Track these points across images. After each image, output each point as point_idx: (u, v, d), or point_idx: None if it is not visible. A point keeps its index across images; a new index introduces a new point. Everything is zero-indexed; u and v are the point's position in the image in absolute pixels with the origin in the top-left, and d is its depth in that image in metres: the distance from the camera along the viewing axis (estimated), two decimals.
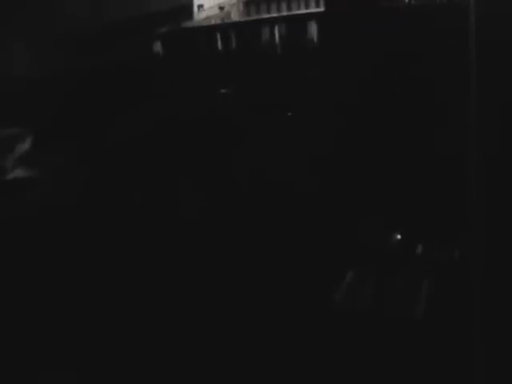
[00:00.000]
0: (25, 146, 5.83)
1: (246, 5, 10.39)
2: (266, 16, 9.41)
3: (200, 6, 9.71)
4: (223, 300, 3.58)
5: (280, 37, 7.91)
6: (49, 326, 3.53)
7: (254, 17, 9.97)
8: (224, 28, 8.36)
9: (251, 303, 3.51)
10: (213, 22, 9.29)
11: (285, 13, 9.76)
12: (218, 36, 7.99)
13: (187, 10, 9.38)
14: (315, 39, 7.70)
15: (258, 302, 3.52)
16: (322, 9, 9.06)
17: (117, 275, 4.05)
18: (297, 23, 7.91)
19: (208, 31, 8.26)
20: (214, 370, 3.03)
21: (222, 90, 7.32)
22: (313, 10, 9.54)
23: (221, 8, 9.97)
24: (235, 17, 10.04)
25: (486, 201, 3.36)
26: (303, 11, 9.57)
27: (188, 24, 8.91)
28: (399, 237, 3.78)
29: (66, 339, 3.42)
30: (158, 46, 8.07)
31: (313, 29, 7.70)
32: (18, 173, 5.50)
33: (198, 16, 9.49)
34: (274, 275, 3.72)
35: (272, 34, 7.93)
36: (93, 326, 3.48)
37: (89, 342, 3.38)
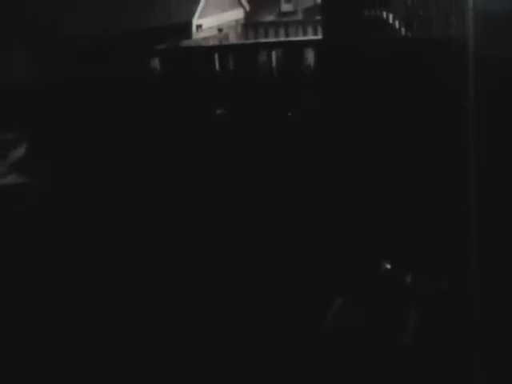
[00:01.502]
0: (19, 152, 5.86)
1: (245, 28, 10.55)
2: (264, 40, 9.55)
3: (199, 27, 9.83)
4: (214, 318, 3.61)
5: (276, 61, 8.03)
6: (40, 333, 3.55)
7: (251, 40, 10.11)
8: (222, 49, 8.47)
9: (240, 324, 3.54)
10: (211, 42, 9.40)
11: (282, 38, 9.91)
12: (216, 57, 8.09)
13: (186, 29, 9.50)
14: (311, 66, 7.83)
15: (248, 324, 3.55)
16: (319, 37, 9.22)
17: (107, 284, 4.09)
18: (293, 49, 8.04)
19: (206, 51, 8.37)
20: None
21: (218, 111, 7.40)
22: (310, 37, 9.70)
23: (219, 30, 10.11)
24: (233, 39, 10.17)
25: (477, 231, 3.44)
26: (300, 38, 9.73)
27: (186, 43, 9.02)
28: (389, 266, 3.85)
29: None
30: (155, 63, 8.15)
31: (309, 55, 7.83)
32: (12, 179, 5.52)
33: (197, 36, 9.61)
34: (264, 298, 3.76)
35: (268, 58, 8.05)
36: (87, 335, 3.50)
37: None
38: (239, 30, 10.51)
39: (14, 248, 4.55)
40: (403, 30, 7.80)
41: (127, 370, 3.19)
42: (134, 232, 4.80)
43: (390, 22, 7.94)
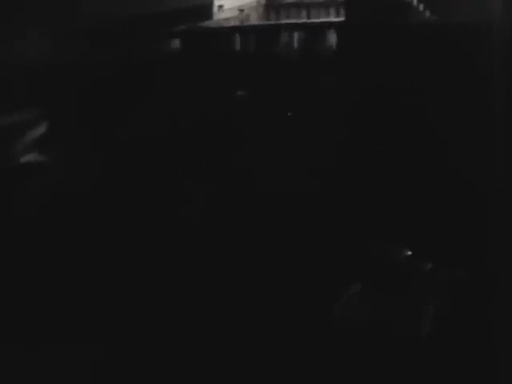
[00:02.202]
0: (37, 131, 5.85)
1: (266, 9, 10.42)
2: (285, 22, 9.43)
3: (220, 7, 9.73)
4: (220, 309, 3.58)
5: (297, 43, 7.93)
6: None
7: (272, 21, 10.00)
8: (243, 30, 8.39)
9: (252, 310, 3.52)
10: (232, 23, 9.30)
11: (304, 20, 9.78)
12: (237, 38, 8.01)
13: (207, 9, 9.40)
14: (332, 48, 7.72)
15: (259, 309, 3.52)
16: (341, 19, 9.08)
17: (122, 269, 4.08)
18: (315, 31, 7.94)
19: (227, 32, 8.29)
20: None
21: (238, 93, 7.35)
22: (332, 19, 9.56)
23: (240, 10, 9.99)
24: (254, 20, 10.05)
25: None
26: (322, 20, 9.59)
27: (207, 24, 8.94)
28: (408, 253, 3.78)
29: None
30: (176, 43, 8.09)
31: (331, 38, 7.72)
32: (29, 158, 5.52)
33: (218, 16, 9.51)
34: (278, 285, 3.73)
35: (290, 40, 7.95)
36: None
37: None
38: (260, 10, 10.38)
39: (30, 227, 4.56)
40: (427, 13, 7.65)
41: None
42: (151, 216, 4.79)
43: (414, 4, 7.80)
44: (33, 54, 7.46)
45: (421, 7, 7.66)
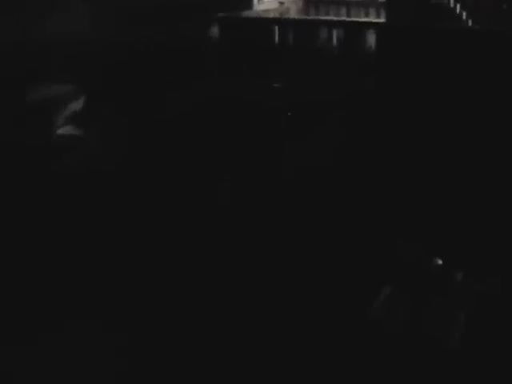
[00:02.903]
0: (77, 105, 5.94)
1: (306, 3, 10.44)
2: (324, 18, 9.44)
3: None
4: (245, 305, 3.59)
5: (335, 40, 7.94)
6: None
7: (311, 16, 10.02)
8: (282, 23, 8.41)
9: (285, 307, 3.53)
10: (271, 15, 9.34)
11: (343, 18, 9.80)
12: (276, 29, 8.04)
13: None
14: (370, 48, 7.73)
15: (295, 306, 3.53)
16: (381, 20, 9.09)
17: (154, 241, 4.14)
18: (354, 29, 7.94)
19: (266, 23, 8.32)
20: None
21: (275, 85, 7.38)
22: (372, 19, 9.57)
23: (281, 3, 10.03)
24: (293, 13, 10.08)
25: None
26: (361, 19, 9.59)
27: (247, 13, 8.98)
28: (440, 261, 3.79)
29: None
30: (215, 30, 8.14)
31: (370, 37, 7.73)
32: (68, 130, 5.61)
33: (258, 7, 9.55)
34: (314, 283, 3.75)
35: (328, 37, 7.97)
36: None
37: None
38: (300, 4, 10.41)
39: (65, 195, 4.64)
40: (470, 21, 7.64)
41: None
42: (186, 189, 4.85)
43: (457, 11, 7.78)
44: (75, 29, 7.54)
45: (463, 14, 7.64)
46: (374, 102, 6.55)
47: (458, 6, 7.87)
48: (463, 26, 7.47)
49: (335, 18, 9.26)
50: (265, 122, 6.25)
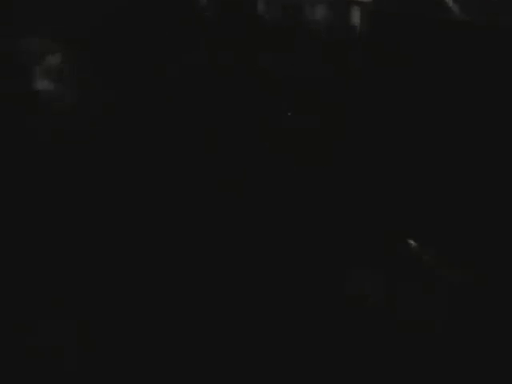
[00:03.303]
0: (54, 59, 5.74)
1: None
2: None
3: None
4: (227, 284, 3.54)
5: (316, 17, 7.85)
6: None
7: None
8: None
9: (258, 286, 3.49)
10: None
11: None
12: None
13: None
14: (354, 29, 7.65)
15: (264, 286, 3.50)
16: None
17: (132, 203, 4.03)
18: (336, 7, 7.86)
19: None
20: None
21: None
22: None
23: None
24: None
25: None
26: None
27: None
28: (420, 245, 3.78)
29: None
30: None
31: (353, 17, 7.66)
32: (44, 85, 5.42)
33: None
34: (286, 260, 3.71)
35: (309, 13, 7.87)
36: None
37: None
38: None
39: (42, 152, 4.48)
40: (458, 11, 7.61)
41: None
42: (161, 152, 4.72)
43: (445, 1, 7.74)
44: None
45: (451, 4, 7.61)
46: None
47: None
48: (451, 16, 7.44)
49: None
50: None
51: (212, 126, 4.91)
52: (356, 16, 7.77)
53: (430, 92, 5.38)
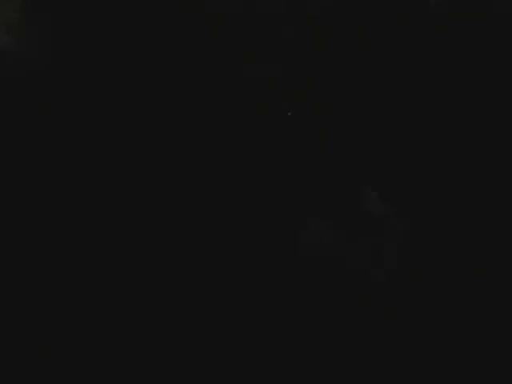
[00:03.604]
0: (14, 14, 5.40)
1: None
2: None
3: None
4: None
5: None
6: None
7: None
8: None
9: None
10: None
11: None
12: None
13: None
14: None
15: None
16: None
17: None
18: None
19: None
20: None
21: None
22: None
23: None
24: None
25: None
26: None
27: None
28: (372, 195, 3.62)
29: None
30: None
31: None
32: (6, 43, 5.11)
33: None
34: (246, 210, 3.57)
35: None
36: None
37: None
38: None
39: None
40: None
41: None
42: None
43: None
44: None
45: None
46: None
47: None
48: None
49: None
50: None
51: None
52: None
53: None
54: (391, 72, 4.31)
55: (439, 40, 4.64)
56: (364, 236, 3.33)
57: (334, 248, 3.28)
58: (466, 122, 3.74)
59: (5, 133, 3.93)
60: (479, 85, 4.27)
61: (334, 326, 2.96)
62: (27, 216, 3.55)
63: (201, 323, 3.00)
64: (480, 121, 3.64)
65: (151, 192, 3.69)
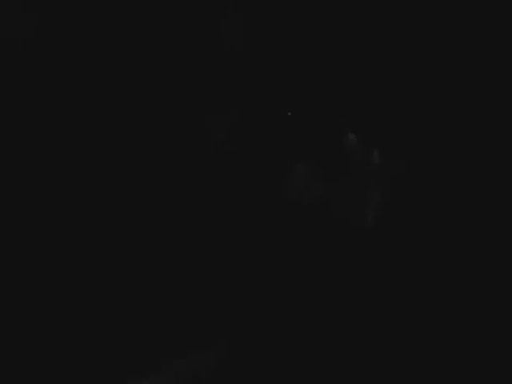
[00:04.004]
0: None
1: None
2: None
3: None
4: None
5: None
6: None
7: None
8: None
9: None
10: None
11: None
12: None
13: None
14: None
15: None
16: None
17: None
18: None
19: None
20: None
21: None
22: None
23: None
24: None
25: None
26: None
27: None
28: (353, 136, 3.51)
29: None
30: None
31: None
32: None
33: None
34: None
35: None
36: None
37: None
38: None
39: None
40: None
41: None
42: None
43: None
44: None
45: None
46: None
47: None
48: None
49: None
50: None
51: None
52: None
53: None
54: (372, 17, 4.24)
55: None
56: (345, 176, 3.23)
57: (319, 194, 3.20)
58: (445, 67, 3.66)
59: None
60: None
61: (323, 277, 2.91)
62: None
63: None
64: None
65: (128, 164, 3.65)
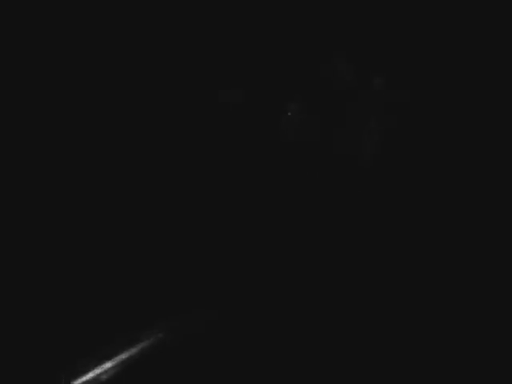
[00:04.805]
0: None
1: None
2: None
3: None
4: None
5: None
6: None
7: None
8: None
9: None
10: None
11: None
12: None
13: None
14: None
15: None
16: None
17: None
18: None
19: None
20: None
21: None
22: None
23: None
24: None
25: None
26: None
27: None
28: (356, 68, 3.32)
29: None
30: None
31: None
32: None
33: None
34: None
35: None
36: None
37: None
38: None
39: None
40: None
41: None
42: None
43: None
44: None
45: None
46: None
47: None
48: None
49: None
50: None
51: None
52: None
53: None
54: None
55: None
56: (345, 117, 3.11)
57: (317, 132, 3.10)
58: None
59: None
60: None
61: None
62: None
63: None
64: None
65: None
